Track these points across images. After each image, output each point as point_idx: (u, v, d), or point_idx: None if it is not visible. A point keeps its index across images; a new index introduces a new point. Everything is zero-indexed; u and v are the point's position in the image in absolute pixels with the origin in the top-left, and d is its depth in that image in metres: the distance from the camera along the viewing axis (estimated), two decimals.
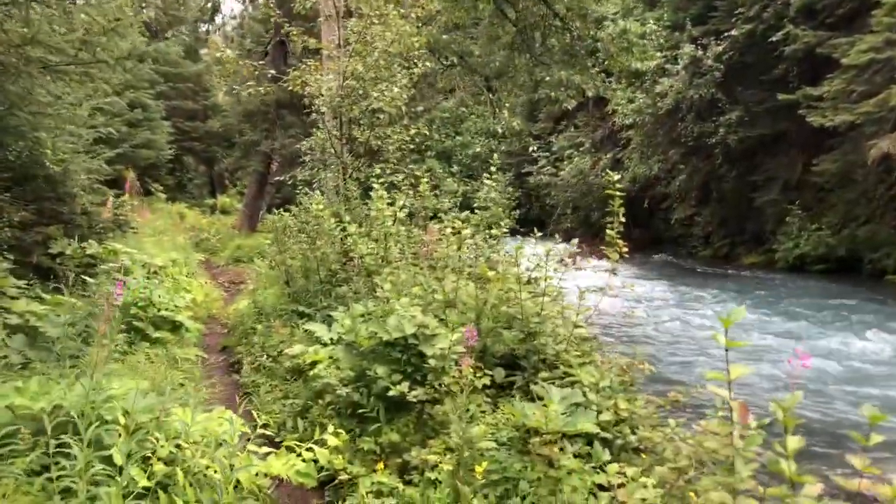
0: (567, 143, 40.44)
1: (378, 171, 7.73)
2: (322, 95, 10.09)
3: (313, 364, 5.84)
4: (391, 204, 7.83)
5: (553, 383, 5.08)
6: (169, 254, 12.91)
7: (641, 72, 28.69)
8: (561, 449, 3.96)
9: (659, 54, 27.64)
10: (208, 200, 37.90)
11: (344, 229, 8.43)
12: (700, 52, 27.03)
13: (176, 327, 7.53)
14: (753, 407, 2.92)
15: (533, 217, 36.55)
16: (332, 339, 6.39)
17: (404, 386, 4.79)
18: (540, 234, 6.69)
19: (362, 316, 6.49)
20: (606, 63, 17.32)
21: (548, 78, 16.73)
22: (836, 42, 19.69)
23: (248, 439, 3.77)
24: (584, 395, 4.70)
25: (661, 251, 34.32)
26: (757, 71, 26.23)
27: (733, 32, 25.62)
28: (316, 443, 4.41)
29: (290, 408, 5.96)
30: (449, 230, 8.10)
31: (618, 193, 5.82)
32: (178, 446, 3.34)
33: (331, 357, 5.74)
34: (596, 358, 5.41)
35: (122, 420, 3.19)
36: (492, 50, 17.27)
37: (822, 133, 22.29)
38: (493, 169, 7.48)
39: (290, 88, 10.18)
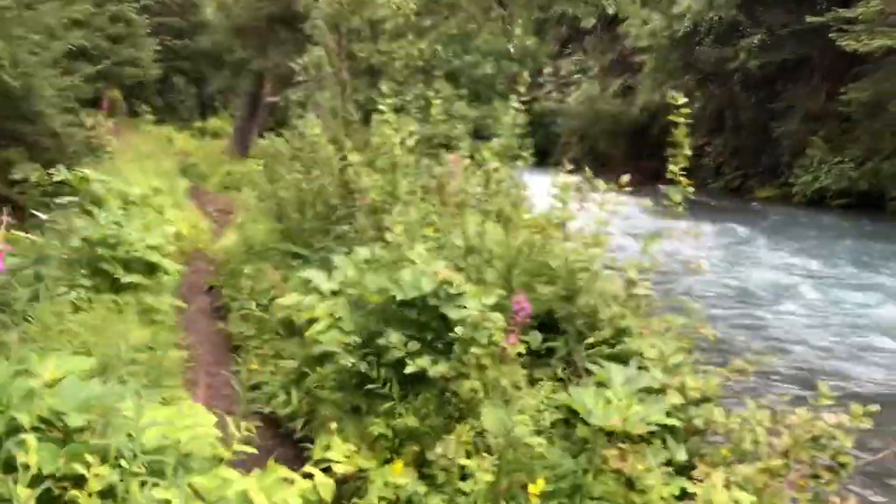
0: (575, 68, 38.79)
1: (385, 88, 6.59)
2: (318, 2, 8.82)
3: (311, 321, 4.85)
4: (398, 129, 6.71)
5: (604, 355, 4.12)
6: (151, 181, 11.78)
7: None
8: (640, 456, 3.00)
9: None
10: (198, 123, 36.39)
11: (344, 158, 7.34)
12: None
13: (152, 269, 6.50)
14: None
15: (537, 146, 35.20)
16: (332, 289, 5.38)
17: (425, 360, 3.80)
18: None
19: (368, 262, 5.48)
20: None
21: None
22: None
23: (221, 460, 2.78)
24: (649, 372, 3.74)
25: (671, 183, 33.16)
26: None
27: None
28: (319, 462, 3.46)
29: (283, 374, 5.00)
30: (468, 161, 7.03)
31: (682, 120, 4.75)
32: (121, 468, 2.37)
33: (331, 315, 4.74)
34: (654, 324, 4.41)
35: (31, 444, 2.20)
36: None
37: (850, 59, 20.93)
38: (521, 89, 6.33)
39: None
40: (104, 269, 5.99)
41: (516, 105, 6.43)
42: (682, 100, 4.76)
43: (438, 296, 4.07)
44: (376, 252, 5.67)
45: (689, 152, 4.74)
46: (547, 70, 37.40)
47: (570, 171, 5.46)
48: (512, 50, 15.33)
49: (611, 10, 15.18)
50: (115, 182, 9.94)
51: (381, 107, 6.57)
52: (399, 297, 4.08)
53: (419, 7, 10.59)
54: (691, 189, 4.73)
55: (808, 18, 21.19)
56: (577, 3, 15.39)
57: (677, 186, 4.69)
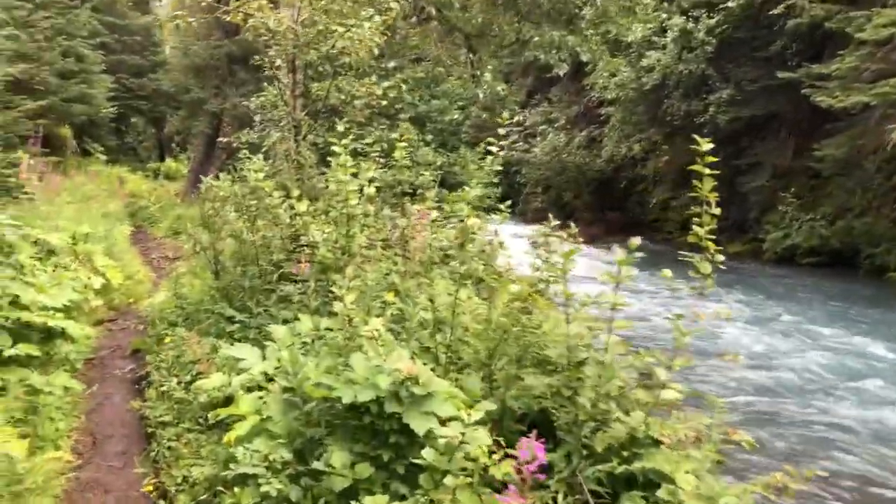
0: (541, 119, 38.54)
1: (341, 128, 5.62)
2: (270, 33, 7.87)
3: (232, 420, 3.75)
4: (356, 175, 5.69)
5: (619, 477, 3.10)
6: (82, 226, 10.58)
7: (627, 43, 26.79)
8: None
9: (646, 26, 25.73)
10: (153, 164, 35.13)
11: (293, 206, 6.31)
12: (691, 25, 25.13)
13: (49, 336, 5.35)
14: None
15: (502, 196, 34.52)
16: (265, 372, 4.30)
17: (380, 499, 2.72)
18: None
19: (312, 338, 4.42)
20: (601, 25, 15.29)
21: (536, 38, 14.64)
22: (849, 16, 17.88)
23: None
24: None
25: (638, 234, 32.62)
26: (751, 47, 24.45)
27: (729, 4, 23.71)
28: None
29: (192, 494, 3.86)
30: (433, 214, 6.05)
31: (707, 171, 3.86)
32: None
33: (258, 412, 3.64)
34: (680, 429, 3.39)
35: None
36: (473, 3, 15.09)
37: (819, 115, 20.62)
38: (501, 132, 5.38)
39: (229, 19, 7.91)
40: None
41: (494, 150, 5.48)
42: (707, 145, 3.87)
43: (400, 398, 3.01)
44: (323, 324, 4.61)
45: (716, 211, 3.81)
46: (512, 119, 36.96)
47: (557, 227, 4.52)
48: (481, 96, 14.57)
49: (585, 58, 14.57)
50: (33, 227, 8.77)
51: (335, 149, 5.57)
52: (346, 399, 3.02)
53: (384, 48, 9.73)
54: (721, 258, 3.78)
55: (780, 74, 20.90)
56: (549, 50, 14.73)
57: (703, 255, 3.73)
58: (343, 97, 8.04)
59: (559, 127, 38.05)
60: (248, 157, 8.09)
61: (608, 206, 35.28)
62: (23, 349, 4.86)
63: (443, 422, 2.95)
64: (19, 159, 9.58)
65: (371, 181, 5.78)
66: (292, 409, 3.44)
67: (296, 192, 5.64)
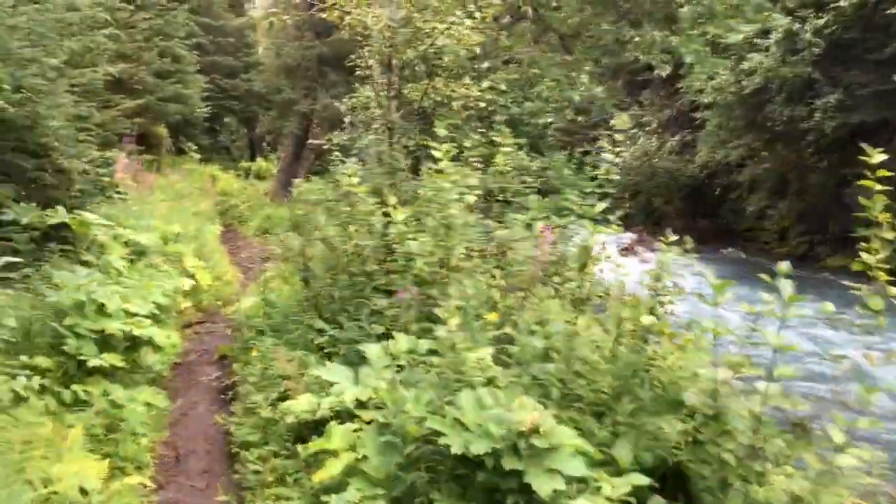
0: (631, 123, 37.47)
1: (441, 129, 5.23)
2: (367, 32, 7.58)
3: (324, 452, 3.39)
4: (455, 182, 5.29)
5: None
6: (174, 225, 10.57)
7: (726, 45, 25.57)
8: None
9: (750, 27, 24.51)
10: (244, 164, 35.79)
11: (387, 214, 5.97)
12: (797, 26, 23.76)
13: (135, 345, 5.16)
14: None
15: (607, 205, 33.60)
16: (358, 398, 3.93)
17: None
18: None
19: (409, 361, 4.04)
20: (703, 25, 14.45)
21: (637, 38, 13.97)
22: None
23: None
24: None
25: (730, 245, 31.28)
26: (863, 49, 22.93)
27: (840, 3, 22.29)
28: None
29: None
30: (539, 226, 5.59)
31: (880, 187, 3.27)
32: None
33: (352, 448, 3.27)
34: (844, 492, 2.83)
35: None
36: (568, 2, 14.52)
37: None
38: (618, 137, 4.90)
39: (325, 17, 7.66)
40: (66, 350, 4.63)
41: (609, 157, 4.99)
42: (879, 156, 3.29)
43: (518, 451, 2.57)
44: (422, 346, 4.22)
45: (890, 235, 3.21)
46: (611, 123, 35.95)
47: (674, 243, 4.02)
48: (577, 99, 13.98)
49: (688, 59, 13.81)
50: (125, 226, 8.74)
51: (435, 153, 5.18)
52: (457, 450, 2.60)
53: (478, 49, 9.33)
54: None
55: None
56: (650, 51, 14.02)
57: (874, 287, 3.15)
58: (439, 98, 7.67)
59: (650, 131, 36.94)
60: (340, 160, 7.82)
61: (700, 213, 33.93)
62: (108, 359, 4.66)
63: (570, 480, 2.50)
64: (114, 158, 9.59)
65: (471, 189, 5.37)
66: (390, 450, 3.05)
67: (392, 199, 5.28)
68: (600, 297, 4.44)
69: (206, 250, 11.77)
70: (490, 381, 3.28)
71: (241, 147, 44.80)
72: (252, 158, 41.69)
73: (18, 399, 4.16)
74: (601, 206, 4.16)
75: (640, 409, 3.10)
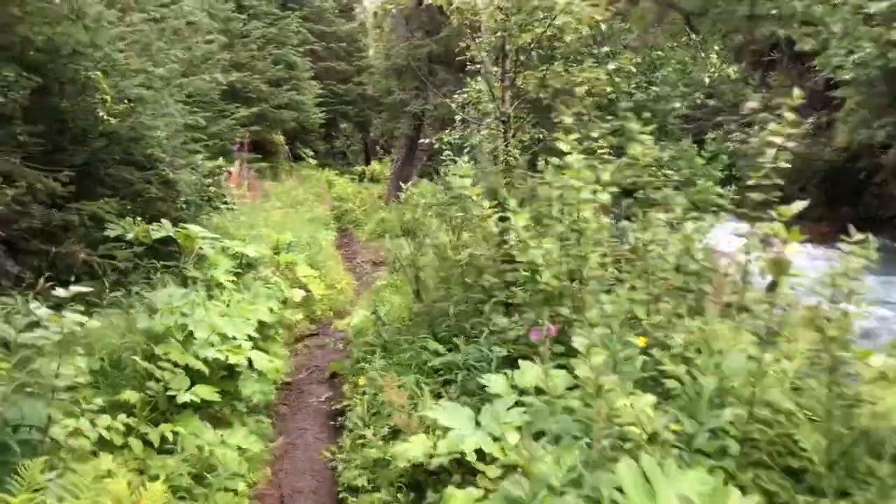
0: (759, 105, 35.06)
1: (566, 117, 4.45)
2: (475, 16, 6.88)
3: None
4: (589, 179, 4.49)
5: None
6: (285, 234, 10.26)
7: (868, 14, 23.25)
8: None
9: None
10: (359, 167, 36.01)
11: (504, 218, 5.25)
12: None
13: (231, 375, 4.68)
14: None
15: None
16: (480, 447, 3.24)
17: None
18: None
19: (537, 400, 3.31)
20: None
21: (773, 11, 12.62)
22: None
23: None
24: None
25: (876, 234, 28.61)
26: None
27: None
28: None
29: None
30: (688, 227, 4.73)
31: None
32: None
33: None
34: None
35: None
36: None
37: None
38: (788, 116, 3.98)
39: (430, 2, 7.02)
40: (159, 378, 4.17)
41: (777, 140, 4.08)
42: None
43: None
44: (554, 380, 3.48)
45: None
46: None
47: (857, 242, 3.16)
48: (707, 81, 12.78)
49: (835, 28, 12.34)
50: (234, 237, 8.44)
51: (561, 146, 4.41)
52: None
53: (597, 32, 8.45)
54: None
55: None
56: (791, 24, 12.64)
57: None
58: (558, 86, 6.87)
59: (780, 114, 34.50)
60: (452, 160, 7.18)
61: (839, 200, 31.33)
62: (200, 393, 4.17)
63: None
64: (223, 167, 9.34)
65: (603, 187, 4.56)
66: None
67: (513, 202, 4.54)
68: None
69: (319, 258, 11.43)
70: (652, 439, 2.51)
71: (357, 151, 45.30)
72: (367, 162, 42.00)
73: (102, 442, 3.72)
74: (799, 205, 3.29)
75: (883, 489, 2.24)
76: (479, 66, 14.40)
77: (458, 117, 12.75)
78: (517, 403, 3.59)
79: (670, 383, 3.62)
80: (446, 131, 9.88)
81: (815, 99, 35.03)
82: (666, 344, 3.76)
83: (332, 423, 5.84)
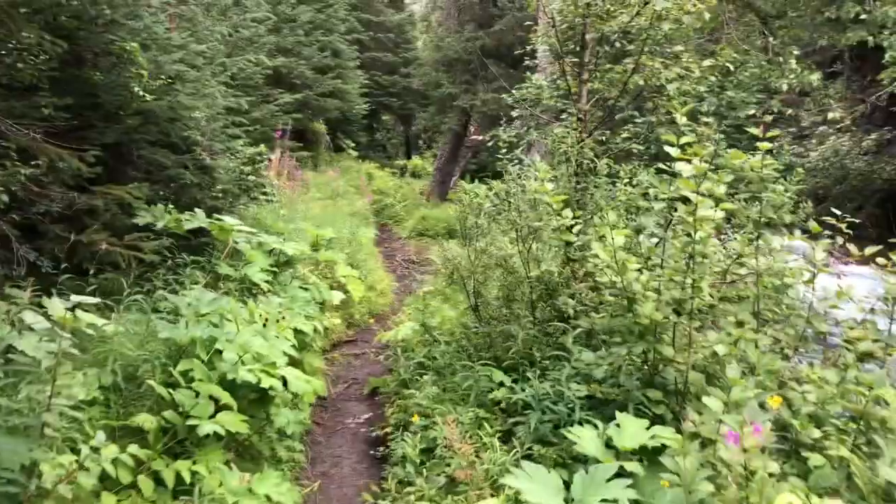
0: (819, 119, 33.69)
1: (680, 118, 3.66)
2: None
3: None
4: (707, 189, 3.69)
5: None
6: (325, 230, 9.56)
7: None
8: None
9: None
10: (400, 161, 35.36)
11: (581, 232, 4.49)
12: None
13: (263, 399, 3.98)
14: None
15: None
16: None
17: None
18: None
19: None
20: None
21: (864, 15, 11.59)
22: None
23: None
24: None
25: None
26: None
27: None
28: None
29: None
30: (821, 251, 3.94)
31: None
32: None
33: None
34: None
35: None
36: None
37: None
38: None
39: None
40: (178, 404, 3.48)
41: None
42: None
43: None
44: (665, 442, 2.72)
45: None
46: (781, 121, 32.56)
47: None
48: (785, 87, 11.82)
49: None
50: (271, 230, 7.79)
51: (670, 150, 3.62)
52: None
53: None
54: None
55: None
56: (880, 30, 11.61)
57: None
58: (649, 82, 6.06)
59: (842, 128, 33.05)
60: (510, 159, 6.43)
61: None
62: (225, 422, 3.48)
63: None
64: (264, 155, 8.67)
65: (717, 203, 3.75)
66: None
67: (612, 215, 3.76)
68: None
69: (359, 257, 10.75)
70: None
71: (397, 145, 44.66)
72: (408, 156, 41.32)
73: (105, 478, 3.05)
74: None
75: None
76: (537, 61, 13.60)
77: (514, 113, 11.97)
78: (619, 472, 2.83)
79: (813, 459, 2.85)
80: (501, 128, 9.10)
81: (878, 115, 33.52)
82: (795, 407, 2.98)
83: (372, 452, 5.12)
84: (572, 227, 4.43)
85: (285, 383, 4.31)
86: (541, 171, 4.43)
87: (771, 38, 12.74)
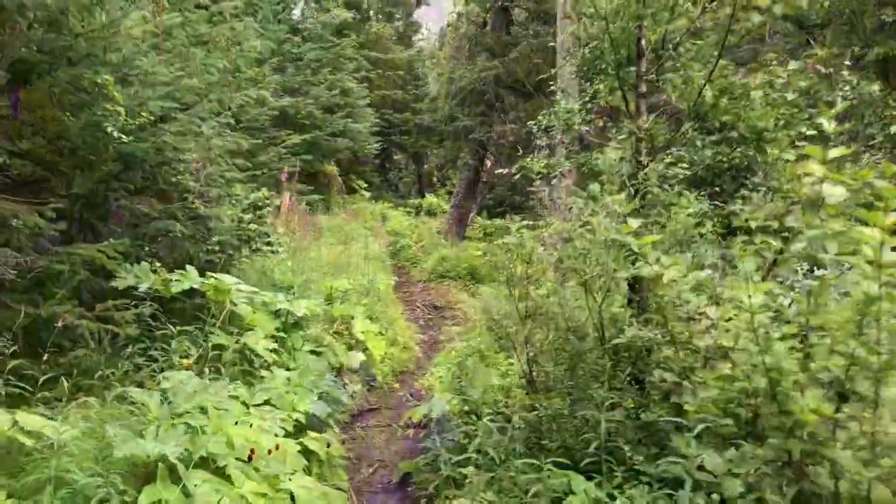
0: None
1: (828, 124, 2.60)
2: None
3: None
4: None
5: None
6: (340, 281, 8.50)
7: None
8: None
9: None
10: (413, 200, 34.47)
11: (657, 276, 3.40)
12: None
13: None
14: None
15: None
16: None
17: None
18: None
19: None
20: None
21: None
22: None
23: None
24: None
25: None
26: None
27: None
28: None
29: None
30: None
31: None
32: None
33: None
34: None
35: None
36: None
37: None
38: None
39: None
40: None
41: None
42: None
43: None
44: None
45: None
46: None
47: None
48: (840, 101, 10.74)
49: None
50: (281, 283, 6.75)
51: (815, 170, 2.55)
52: None
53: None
54: None
55: None
56: None
57: None
58: (725, 93, 5.04)
59: (877, 146, 31.93)
60: (558, 200, 5.40)
61: None
62: None
63: None
64: (267, 200, 7.66)
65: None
66: None
67: (751, 263, 2.65)
68: None
69: (378, 307, 9.66)
70: None
71: (409, 183, 43.83)
72: (421, 195, 40.45)
73: None
74: None
75: None
76: (561, 85, 12.58)
77: (540, 142, 10.98)
78: None
79: None
80: (528, 158, 8.08)
81: None
82: None
83: None
84: (662, 275, 3.35)
85: (293, 499, 3.23)
86: (620, 205, 3.36)
87: (817, 49, 11.72)
